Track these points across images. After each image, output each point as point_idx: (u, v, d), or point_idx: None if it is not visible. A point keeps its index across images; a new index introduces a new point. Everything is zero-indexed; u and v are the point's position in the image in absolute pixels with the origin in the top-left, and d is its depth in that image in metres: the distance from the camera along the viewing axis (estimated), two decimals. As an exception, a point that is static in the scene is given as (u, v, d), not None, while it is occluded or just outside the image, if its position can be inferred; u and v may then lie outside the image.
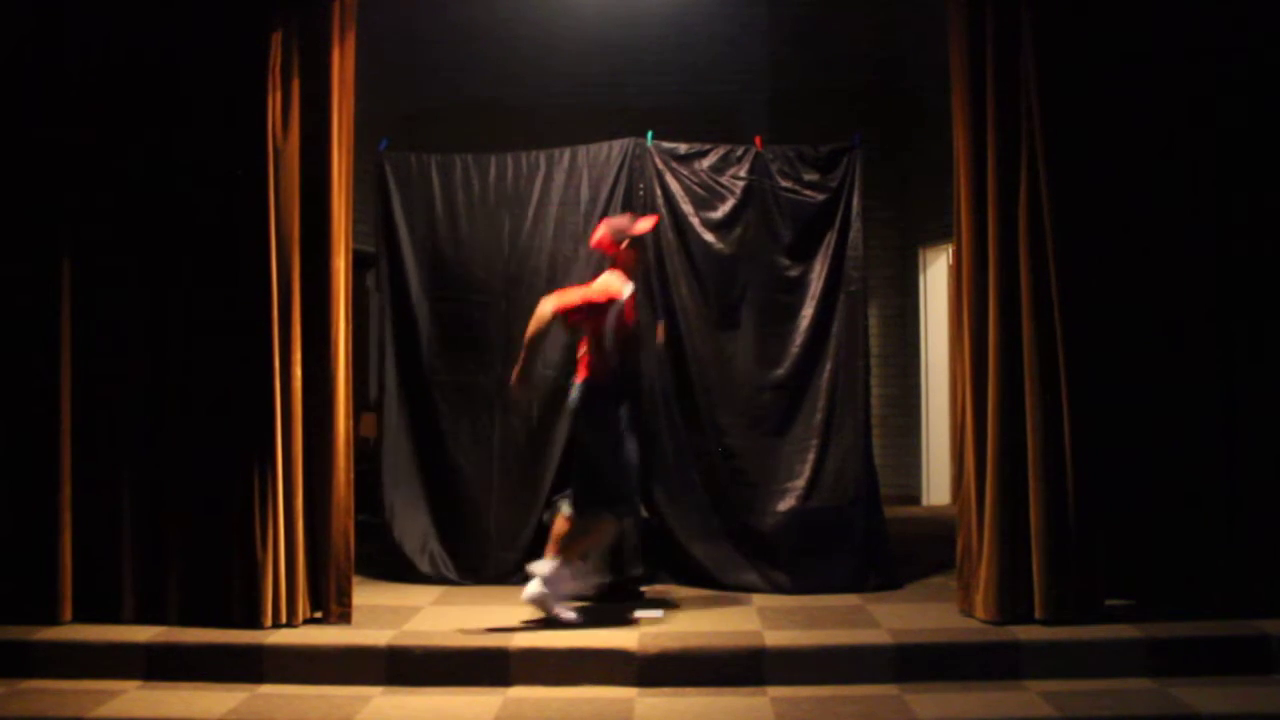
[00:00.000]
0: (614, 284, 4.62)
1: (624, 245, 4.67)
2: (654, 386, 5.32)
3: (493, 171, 5.53)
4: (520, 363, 4.50)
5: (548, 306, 4.49)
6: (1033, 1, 4.43)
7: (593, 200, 5.44)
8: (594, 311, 4.53)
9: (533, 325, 4.48)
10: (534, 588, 4.47)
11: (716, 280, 5.32)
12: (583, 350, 4.65)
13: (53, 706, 3.85)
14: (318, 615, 4.43)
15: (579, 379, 4.62)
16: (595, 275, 4.88)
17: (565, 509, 4.61)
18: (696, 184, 5.40)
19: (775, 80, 8.18)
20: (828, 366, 5.24)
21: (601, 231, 4.74)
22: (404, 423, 5.47)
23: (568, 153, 5.51)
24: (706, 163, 5.43)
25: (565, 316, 4.51)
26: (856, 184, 5.26)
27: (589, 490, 4.55)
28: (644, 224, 4.76)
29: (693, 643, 4.19)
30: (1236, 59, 4.48)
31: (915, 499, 8.06)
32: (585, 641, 4.19)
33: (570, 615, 4.47)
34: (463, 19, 7.97)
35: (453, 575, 5.31)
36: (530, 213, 5.47)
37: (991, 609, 4.32)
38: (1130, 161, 4.50)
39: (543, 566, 4.50)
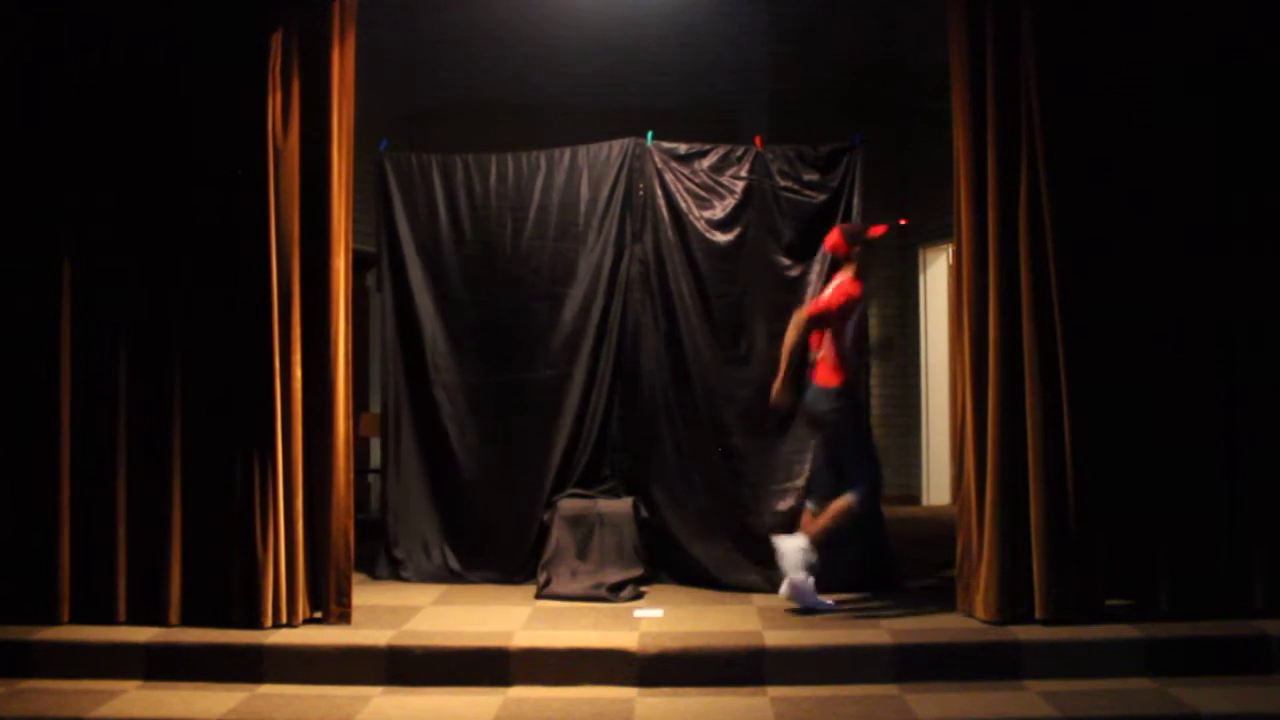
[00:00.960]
0: (854, 286, 4.72)
1: (857, 248, 4.75)
2: (654, 386, 5.33)
3: (493, 172, 5.53)
4: (781, 372, 4.68)
5: (803, 312, 4.71)
6: (1033, 1, 4.43)
7: (593, 200, 5.45)
8: (845, 313, 4.64)
9: (791, 334, 4.67)
10: (793, 576, 4.61)
11: (716, 280, 5.33)
12: (820, 353, 4.70)
13: (53, 706, 3.85)
14: (318, 615, 4.43)
15: (825, 383, 4.68)
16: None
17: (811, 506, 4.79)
18: (696, 184, 5.40)
19: (775, 80, 8.17)
20: (828, 366, 5.25)
21: (834, 235, 4.84)
22: (406, 422, 5.47)
23: (568, 153, 5.51)
24: (706, 162, 5.43)
25: (821, 318, 4.64)
26: (857, 184, 5.27)
27: (833, 482, 4.70)
28: (878, 228, 4.87)
29: (693, 643, 4.18)
30: (1237, 58, 4.48)
31: (915, 499, 8.06)
32: (585, 641, 4.19)
33: (828, 603, 4.66)
34: (463, 19, 7.97)
35: (454, 574, 5.30)
36: (531, 213, 5.48)
37: (991, 609, 4.32)
38: (1130, 161, 4.49)
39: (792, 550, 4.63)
